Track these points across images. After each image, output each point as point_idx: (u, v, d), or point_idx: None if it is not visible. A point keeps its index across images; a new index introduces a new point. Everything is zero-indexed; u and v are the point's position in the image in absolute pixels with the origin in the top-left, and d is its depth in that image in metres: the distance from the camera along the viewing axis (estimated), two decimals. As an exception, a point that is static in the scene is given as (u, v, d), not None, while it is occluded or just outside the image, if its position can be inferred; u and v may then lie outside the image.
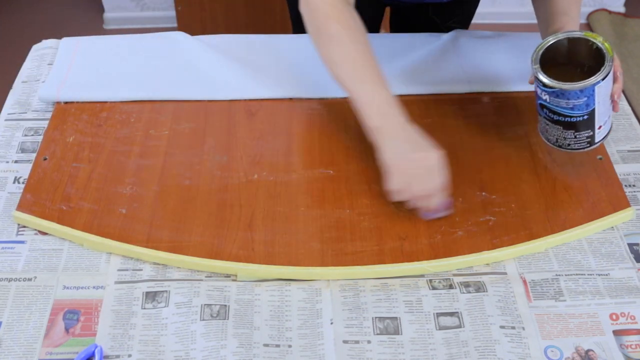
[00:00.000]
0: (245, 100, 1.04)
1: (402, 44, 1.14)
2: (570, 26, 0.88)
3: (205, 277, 0.82)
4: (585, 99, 0.81)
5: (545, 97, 0.83)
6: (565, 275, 0.84)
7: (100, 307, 0.79)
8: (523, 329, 0.78)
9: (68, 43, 1.13)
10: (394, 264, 0.83)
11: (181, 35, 1.13)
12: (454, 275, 0.83)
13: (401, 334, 0.77)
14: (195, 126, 1.00)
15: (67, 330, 0.77)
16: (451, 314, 0.79)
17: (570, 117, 0.83)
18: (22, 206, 0.88)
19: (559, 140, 0.87)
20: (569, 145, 0.87)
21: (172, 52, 1.10)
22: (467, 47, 1.12)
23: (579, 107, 0.81)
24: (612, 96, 0.84)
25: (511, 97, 1.05)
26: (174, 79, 1.06)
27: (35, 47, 1.16)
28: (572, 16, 0.90)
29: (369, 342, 0.77)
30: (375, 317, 0.79)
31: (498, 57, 1.11)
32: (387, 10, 1.39)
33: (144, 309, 0.79)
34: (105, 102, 1.03)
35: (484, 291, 0.81)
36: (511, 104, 1.04)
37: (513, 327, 0.78)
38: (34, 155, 0.95)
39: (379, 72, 0.86)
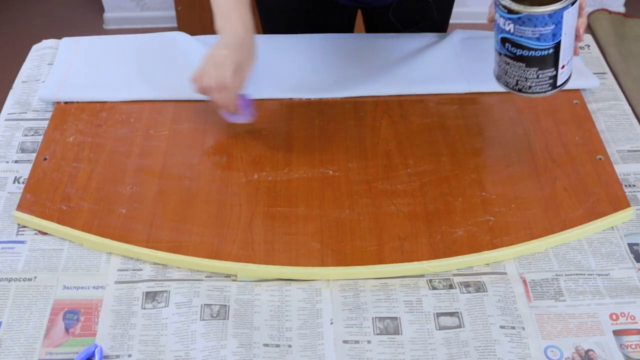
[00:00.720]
0: (245, 100, 1.04)
1: (402, 44, 1.14)
2: None
3: (205, 277, 0.82)
4: (553, 26, 0.76)
5: (509, 27, 0.78)
6: (565, 275, 0.84)
7: (100, 307, 0.79)
8: (523, 329, 0.78)
9: (68, 43, 1.13)
10: (394, 264, 0.83)
11: (181, 35, 1.13)
12: (454, 275, 0.83)
13: (401, 334, 0.77)
14: (195, 126, 1.00)
15: (67, 330, 0.77)
16: (451, 314, 0.79)
17: (535, 49, 0.78)
18: (22, 206, 0.88)
19: (519, 83, 0.82)
20: (529, 87, 0.82)
21: (172, 52, 1.10)
22: (467, 47, 1.12)
23: (546, 37, 0.77)
24: (577, 30, 0.80)
25: (511, 97, 1.05)
26: (174, 79, 1.06)
27: (35, 47, 1.16)
28: None
29: (369, 342, 0.77)
30: (375, 317, 0.79)
31: (498, 57, 1.11)
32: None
33: (144, 309, 0.79)
34: (105, 102, 1.03)
35: (484, 291, 0.81)
36: (511, 104, 1.04)
37: (513, 327, 0.78)
38: (34, 155, 0.95)
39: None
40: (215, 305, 0.79)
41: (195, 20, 2.26)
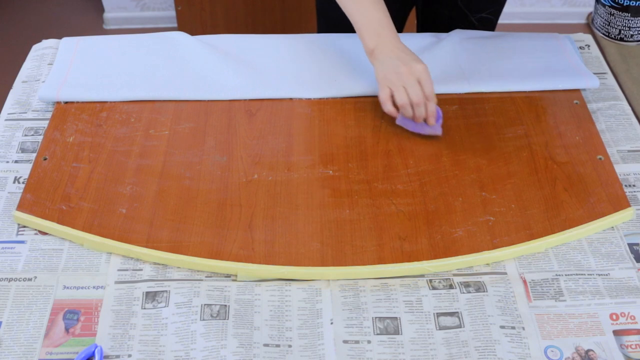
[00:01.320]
0: (245, 100, 1.04)
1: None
2: None
3: (205, 277, 0.82)
4: None
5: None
6: (565, 275, 0.84)
7: (100, 307, 0.79)
8: (523, 329, 0.78)
9: (68, 43, 1.13)
10: (394, 264, 0.83)
11: (181, 35, 1.13)
12: (454, 275, 0.83)
13: (401, 334, 0.77)
14: (195, 126, 1.00)
15: (67, 330, 0.77)
16: (451, 314, 0.79)
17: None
18: (22, 206, 0.88)
19: (622, 32, 0.86)
20: (632, 36, 0.85)
21: (172, 52, 1.10)
22: (467, 47, 1.12)
23: None
24: None
25: (511, 97, 1.05)
26: (174, 79, 1.06)
27: (35, 47, 1.16)
28: None
29: (369, 342, 0.77)
30: (375, 317, 0.79)
31: (498, 57, 1.11)
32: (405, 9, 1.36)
33: (144, 309, 0.79)
34: (105, 102, 1.03)
35: (484, 291, 0.81)
36: (511, 104, 1.04)
37: (513, 327, 0.78)
38: (34, 155, 0.95)
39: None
40: (215, 305, 0.79)
41: (195, 20, 2.26)
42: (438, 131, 0.97)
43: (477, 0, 1.19)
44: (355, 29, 0.96)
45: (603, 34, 0.87)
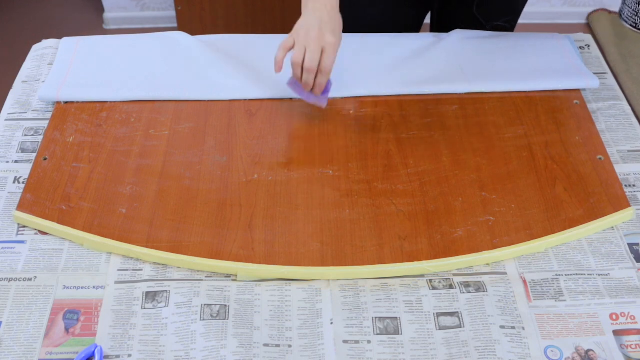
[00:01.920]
0: (245, 100, 1.04)
1: (402, 44, 1.14)
2: None
3: (205, 277, 0.82)
4: None
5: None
6: (565, 275, 0.84)
7: (100, 307, 0.79)
8: (523, 329, 0.78)
9: (68, 43, 1.13)
10: (394, 264, 0.83)
11: (181, 35, 1.13)
12: (454, 275, 0.83)
13: (401, 334, 0.77)
14: (195, 126, 1.00)
15: (67, 330, 0.77)
16: (451, 314, 0.79)
17: None
18: (22, 206, 0.88)
19: None
20: None
21: (172, 52, 1.10)
22: (467, 47, 1.12)
23: None
24: None
25: (511, 97, 1.05)
26: (174, 79, 1.06)
27: (35, 47, 1.16)
28: None
29: (369, 342, 0.77)
30: (375, 317, 0.79)
31: (498, 57, 1.11)
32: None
33: (144, 309, 0.79)
34: (105, 102, 1.03)
35: (484, 291, 0.81)
36: (511, 104, 1.04)
37: (513, 327, 0.78)
38: (34, 155, 0.95)
39: None
40: (215, 305, 0.79)
41: (195, 20, 2.26)
42: (323, 103, 0.98)
43: (492, 8, 1.18)
44: None
45: (631, 25, 0.84)
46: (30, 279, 0.82)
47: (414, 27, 1.25)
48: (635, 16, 0.83)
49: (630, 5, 0.83)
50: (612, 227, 0.89)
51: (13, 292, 0.80)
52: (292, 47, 0.93)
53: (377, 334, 0.77)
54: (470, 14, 1.19)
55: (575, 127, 1.01)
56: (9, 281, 0.81)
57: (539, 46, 1.14)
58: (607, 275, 0.83)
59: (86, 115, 1.01)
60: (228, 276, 0.83)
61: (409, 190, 0.91)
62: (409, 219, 0.88)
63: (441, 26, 1.27)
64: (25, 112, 1.04)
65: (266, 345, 0.76)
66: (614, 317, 0.79)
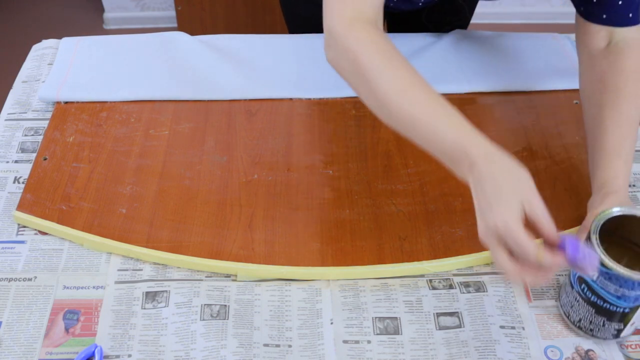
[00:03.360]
0: (245, 100, 1.04)
1: (402, 44, 1.13)
2: (623, 179, 0.79)
3: (205, 277, 0.82)
4: (639, 293, 0.69)
5: (594, 274, 0.70)
6: (565, 275, 0.83)
7: (100, 307, 0.79)
8: (523, 329, 0.78)
9: (68, 43, 1.13)
10: (394, 264, 0.83)
11: (181, 35, 1.13)
12: (454, 275, 0.83)
13: (401, 334, 0.77)
14: (195, 126, 1.00)
15: (67, 330, 0.77)
16: (451, 314, 0.79)
17: (612, 305, 0.71)
18: (22, 206, 0.88)
19: (582, 321, 0.75)
20: (591, 330, 0.75)
21: (172, 52, 1.10)
22: (467, 47, 1.12)
23: (627, 298, 0.70)
24: None
25: (511, 97, 1.05)
26: (174, 79, 1.06)
27: (35, 47, 1.16)
28: (626, 159, 0.81)
29: (369, 342, 0.77)
30: (375, 317, 0.79)
31: (498, 57, 1.11)
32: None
33: (144, 309, 0.79)
34: (105, 102, 1.03)
35: (484, 291, 0.81)
36: (511, 104, 1.04)
37: (513, 327, 0.78)
38: (34, 155, 0.95)
39: (441, 97, 0.73)
40: (215, 305, 0.79)
41: (195, 20, 2.26)
42: (587, 271, 0.67)
43: (438, 14, 1.19)
44: (433, 139, 0.70)
45: (564, 312, 0.78)
46: (30, 279, 0.82)
47: None
48: (570, 307, 0.77)
49: (567, 294, 0.77)
50: (612, 227, 0.89)
51: (13, 292, 0.80)
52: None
53: (377, 334, 0.77)
54: (421, 23, 1.20)
55: (575, 127, 1.01)
56: (9, 281, 0.81)
57: (539, 46, 1.14)
58: (607, 275, 0.83)
59: (86, 115, 1.01)
60: (228, 276, 0.83)
61: (409, 190, 0.91)
62: (409, 219, 0.88)
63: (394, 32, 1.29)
64: (25, 112, 1.04)
65: (266, 345, 0.76)
66: (614, 317, 0.79)
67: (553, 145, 0.98)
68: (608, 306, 0.72)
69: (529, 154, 0.96)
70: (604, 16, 0.86)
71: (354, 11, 0.76)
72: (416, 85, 0.73)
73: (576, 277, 0.74)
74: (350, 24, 0.75)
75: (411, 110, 0.71)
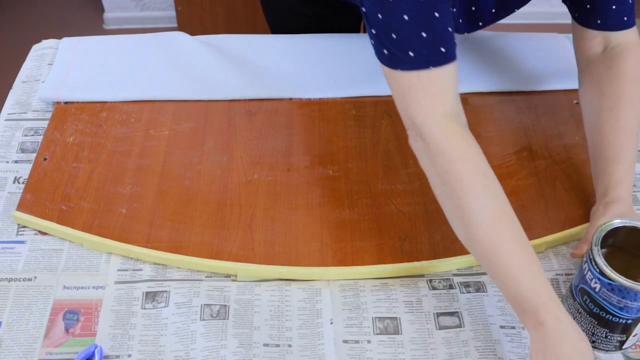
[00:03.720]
0: (245, 100, 1.04)
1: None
2: (625, 186, 0.80)
3: (205, 277, 0.82)
4: None
5: (596, 285, 0.70)
6: (565, 275, 0.84)
7: (100, 307, 0.79)
8: (523, 328, 0.78)
9: (68, 43, 1.13)
10: (394, 264, 0.83)
11: (181, 35, 1.13)
12: (454, 275, 0.83)
13: (401, 333, 0.77)
14: (195, 126, 1.00)
15: (67, 330, 0.77)
16: (451, 314, 0.79)
17: (614, 316, 0.71)
18: (22, 206, 0.88)
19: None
20: (593, 342, 0.74)
21: (172, 52, 1.10)
22: (467, 47, 1.12)
23: (630, 309, 0.69)
24: None
25: (511, 97, 1.05)
26: (174, 79, 1.06)
27: (35, 47, 1.16)
28: (627, 165, 0.81)
29: (369, 342, 0.77)
30: (375, 317, 0.79)
31: (498, 57, 1.11)
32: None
33: (144, 309, 0.79)
34: (105, 102, 1.03)
35: (484, 291, 0.81)
36: (511, 104, 1.04)
37: (513, 327, 0.78)
38: (34, 155, 0.95)
39: (524, 234, 0.71)
40: (215, 305, 0.79)
41: (195, 20, 2.26)
42: None
43: None
44: (506, 283, 0.69)
45: None
46: (30, 279, 0.82)
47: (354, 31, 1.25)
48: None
49: (569, 306, 0.77)
50: (612, 227, 0.89)
51: (13, 292, 0.80)
52: None
53: (377, 334, 0.77)
54: None
55: (575, 127, 1.01)
56: (9, 281, 0.81)
57: (539, 46, 1.14)
58: (607, 275, 0.83)
59: (86, 116, 1.01)
60: (228, 276, 0.83)
61: (408, 190, 0.91)
62: (409, 219, 0.88)
63: None
64: (25, 112, 1.04)
65: (266, 345, 0.76)
66: (614, 317, 0.79)
67: (553, 145, 0.98)
68: (610, 317, 0.71)
69: (529, 154, 0.96)
70: (599, 21, 0.86)
71: (444, 106, 0.74)
72: (506, 220, 0.71)
73: (578, 288, 0.74)
74: (444, 124, 0.73)
75: (494, 249, 0.69)
